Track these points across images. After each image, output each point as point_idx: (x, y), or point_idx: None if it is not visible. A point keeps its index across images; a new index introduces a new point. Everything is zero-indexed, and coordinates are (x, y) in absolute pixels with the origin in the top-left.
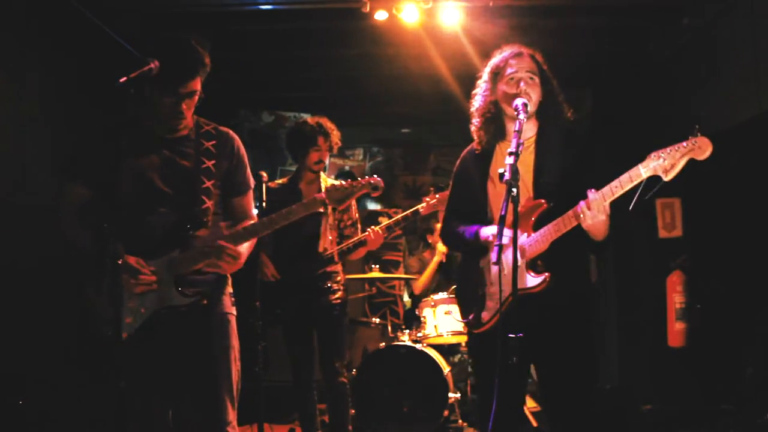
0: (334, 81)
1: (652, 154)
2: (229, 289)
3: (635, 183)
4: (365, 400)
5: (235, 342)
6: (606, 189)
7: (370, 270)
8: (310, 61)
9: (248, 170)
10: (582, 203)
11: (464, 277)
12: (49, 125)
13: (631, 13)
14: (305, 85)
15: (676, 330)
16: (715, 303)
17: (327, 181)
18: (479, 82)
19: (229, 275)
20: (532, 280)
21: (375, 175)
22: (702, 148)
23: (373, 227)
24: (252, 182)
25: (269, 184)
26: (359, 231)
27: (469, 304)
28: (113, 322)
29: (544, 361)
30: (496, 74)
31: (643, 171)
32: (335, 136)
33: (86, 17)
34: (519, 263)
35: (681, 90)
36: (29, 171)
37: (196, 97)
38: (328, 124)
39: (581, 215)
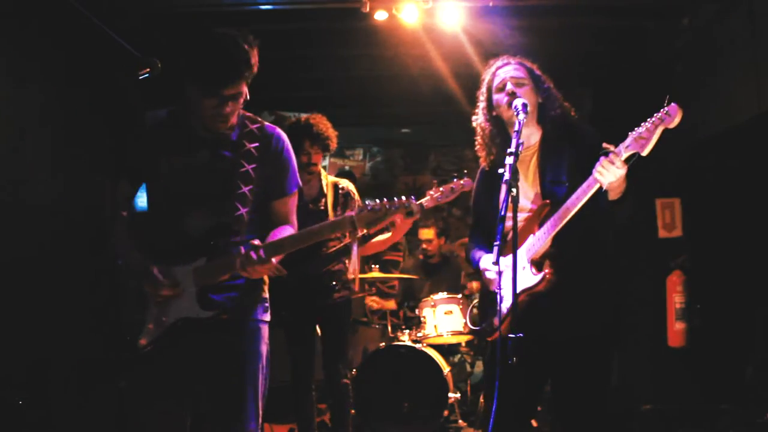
0: (335, 81)
1: (630, 133)
2: (264, 295)
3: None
4: (365, 400)
5: (264, 350)
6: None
7: (370, 270)
8: (310, 61)
9: (293, 172)
10: (603, 160)
11: (485, 287)
12: (48, 125)
13: (631, 13)
14: (305, 85)
15: (676, 330)
16: (715, 303)
17: (328, 178)
18: (478, 103)
19: (266, 281)
20: (532, 279)
21: (413, 197)
22: (672, 115)
23: None
24: (296, 185)
25: None
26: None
27: (486, 312)
28: (122, 322)
29: (558, 366)
30: (489, 89)
31: (624, 151)
32: (326, 137)
33: (86, 17)
34: (525, 265)
35: (681, 90)
36: (29, 171)
37: (242, 100)
38: (320, 126)
39: (603, 172)
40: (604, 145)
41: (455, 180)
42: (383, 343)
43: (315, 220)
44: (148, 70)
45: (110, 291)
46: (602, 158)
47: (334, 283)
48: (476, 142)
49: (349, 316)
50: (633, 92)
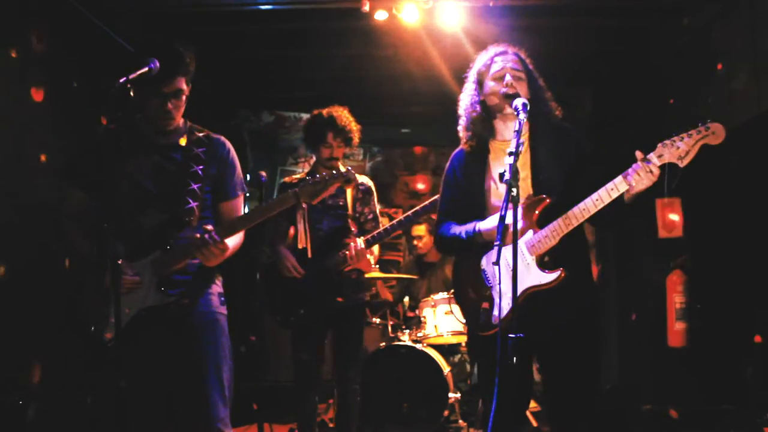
0: (334, 81)
1: (661, 144)
2: (218, 289)
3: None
4: (365, 400)
5: (225, 340)
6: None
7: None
8: (310, 61)
9: (238, 176)
10: (641, 166)
11: (465, 278)
12: (49, 126)
13: (631, 13)
14: (305, 85)
15: (676, 330)
16: (715, 303)
17: None
18: (466, 84)
19: (219, 276)
20: (545, 277)
21: (349, 168)
22: (717, 133)
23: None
24: (241, 189)
25: (286, 179)
26: (380, 225)
27: (475, 305)
28: (115, 322)
29: (550, 358)
30: (482, 73)
31: (656, 159)
32: (349, 130)
33: (86, 17)
34: (529, 261)
35: (681, 90)
36: (29, 172)
37: (184, 98)
38: (342, 119)
39: (637, 178)
40: (637, 153)
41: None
42: (383, 343)
43: (335, 217)
44: (145, 70)
45: (78, 288)
46: (640, 164)
47: (353, 281)
48: (459, 124)
49: (363, 321)
50: (633, 92)
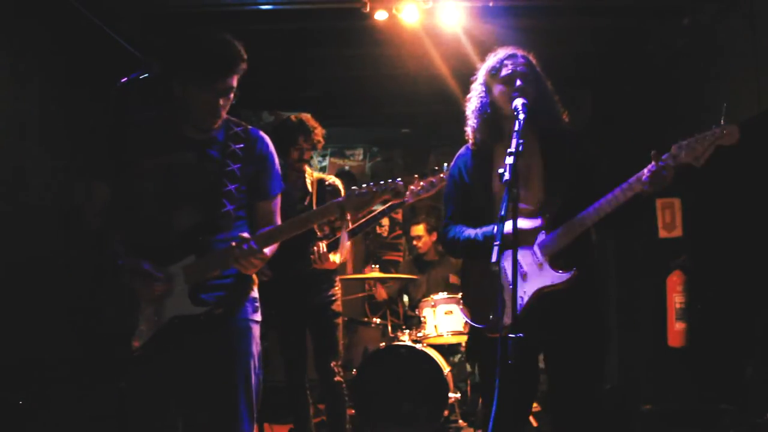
0: (334, 81)
1: (676, 145)
2: (253, 294)
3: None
4: (365, 400)
5: (255, 350)
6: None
7: (371, 270)
8: (310, 61)
9: (276, 173)
10: (656, 168)
11: (474, 279)
12: (48, 126)
13: (631, 13)
14: (305, 85)
15: (676, 330)
16: (715, 303)
17: (313, 175)
18: (474, 85)
19: (255, 280)
20: (560, 276)
21: (399, 180)
22: (732, 135)
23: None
24: (279, 188)
25: None
26: (350, 224)
27: (485, 307)
28: (116, 323)
29: (558, 358)
30: (492, 76)
31: (671, 160)
32: (317, 134)
33: (86, 17)
34: (542, 261)
35: (681, 90)
36: (29, 171)
37: (232, 95)
38: (311, 122)
39: (654, 180)
40: (653, 153)
41: (436, 174)
42: (383, 343)
43: None
44: (145, 70)
45: (104, 291)
46: (654, 165)
47: (322, 282)
48: (467, 125)
49: (338, 315)
50: (633, 92)
